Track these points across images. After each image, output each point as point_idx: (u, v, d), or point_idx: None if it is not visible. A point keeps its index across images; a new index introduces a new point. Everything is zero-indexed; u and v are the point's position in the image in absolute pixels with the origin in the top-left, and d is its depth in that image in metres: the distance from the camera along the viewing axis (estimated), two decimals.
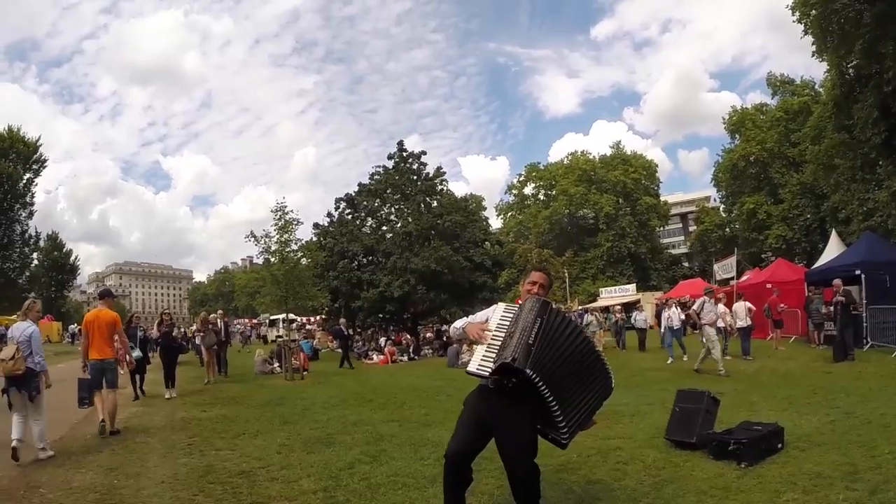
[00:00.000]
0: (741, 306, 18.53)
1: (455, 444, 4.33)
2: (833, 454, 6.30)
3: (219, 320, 20.59)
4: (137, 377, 14.60)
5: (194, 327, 25.15)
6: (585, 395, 4.35)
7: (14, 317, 15.74)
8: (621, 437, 7.84)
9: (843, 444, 6.73)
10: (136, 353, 13.74)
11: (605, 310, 35.55)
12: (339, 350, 28.03)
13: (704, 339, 15.14)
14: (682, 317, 19.78)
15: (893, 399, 9.40)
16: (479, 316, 4.56)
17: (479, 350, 4.18)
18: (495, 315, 4.34)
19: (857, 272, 18.81)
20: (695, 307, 16.19)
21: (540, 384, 3.97)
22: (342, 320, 27.90)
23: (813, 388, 11.18)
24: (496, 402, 4.23)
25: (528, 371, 3.93)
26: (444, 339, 26.62)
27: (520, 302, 4.46)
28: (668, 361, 17.85)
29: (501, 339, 4.13)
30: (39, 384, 7.92)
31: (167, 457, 7.58)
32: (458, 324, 4.60)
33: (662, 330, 20.44)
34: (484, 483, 5.63)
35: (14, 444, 7.38)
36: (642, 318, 25.37)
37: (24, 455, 7.45)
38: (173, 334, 15.87)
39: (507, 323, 4.19)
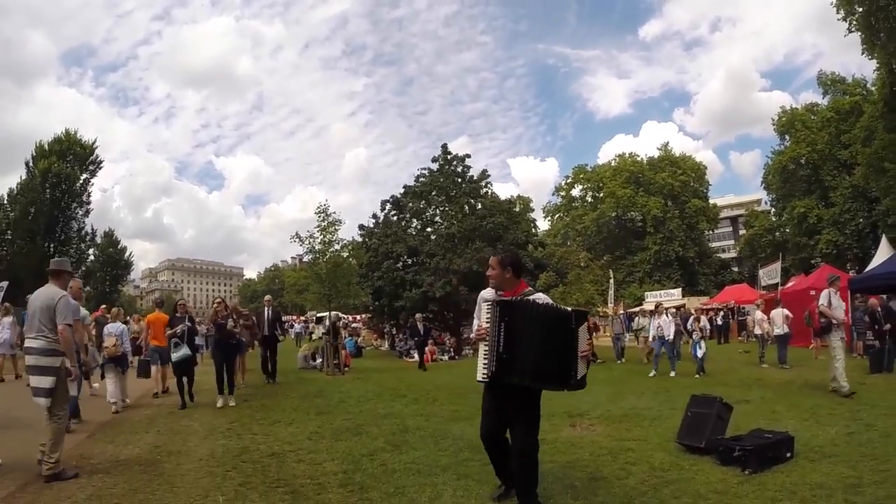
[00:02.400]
0: (779, 313, 18.34)
1: (484, 428, 5.31)
2: (842, 466, 6.32)
3: (267, 308, 17.63)
4: (185, 380, 12.05)
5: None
6: (562, 354, 4.89)
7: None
8: (636, 439, 8.02)
9: (856, 456, 6.74)
10: (182, 350, 11.89)
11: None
12: (404, 349, 28.86)
13: (830, 349, 12.10)
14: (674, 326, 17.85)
15: None
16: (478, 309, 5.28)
17: (480, 357, 4.93)
18: (482, 314, 5.02)
19: None
20: (821, 302, 12.29)
21: (516, 381, 4.84)
22: (418, 315, 25.04)
23: (840, 399, 11.09)
24: (500, 391, 5.03)
25: (505, 379, 4.85)
26: None
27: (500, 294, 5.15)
28: (672, 374, 16.51)
29: (490, 344, 4.81)
30: (127, 362, 12.29)
31: (207, 438, 8.22)
32: (474, 325, 5.30)
33: (651, 339, 18.65)
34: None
35: (114, 401, 11.35)
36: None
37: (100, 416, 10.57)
38: (229, 327, 12.39)
39: (489, 324, 4.86)
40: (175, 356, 12.01)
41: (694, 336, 17.77)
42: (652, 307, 21.54)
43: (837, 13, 28.16)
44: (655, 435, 8.20)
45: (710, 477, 6.10)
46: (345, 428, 9.17)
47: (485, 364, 4.85)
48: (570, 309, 5.07)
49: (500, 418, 5.16)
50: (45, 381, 6.38)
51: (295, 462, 7.04)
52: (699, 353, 16.64)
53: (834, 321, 12.00)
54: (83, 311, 9.83)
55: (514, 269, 5.22)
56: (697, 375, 15.88)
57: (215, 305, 13.02)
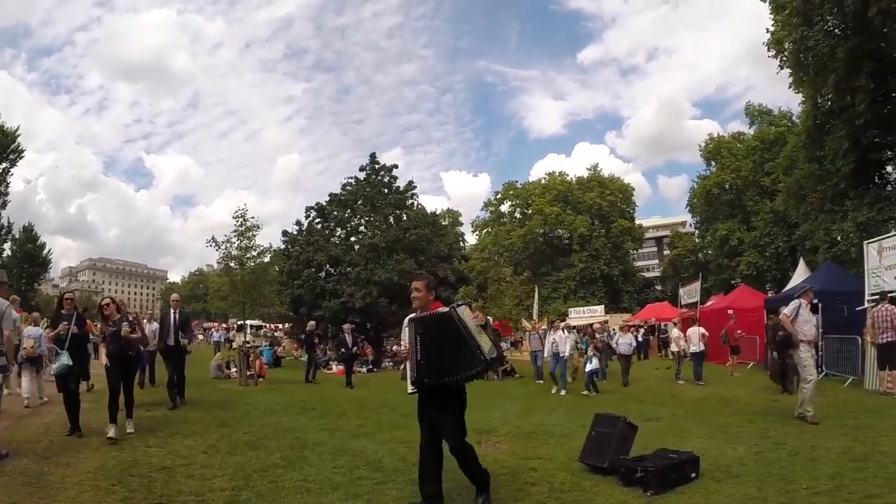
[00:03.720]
0: (695, 331, 18.46)
1: (423, 439, 5.71)
2: (748, 486, 6.17)
3: (172, 311, 13.58)
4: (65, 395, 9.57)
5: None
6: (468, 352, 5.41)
7: None
8: (541, 457, 7.81)
9: (763, 476, 6.60)
10: (61, 361, 9.48)
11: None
12: (322, 360, 27.75)
13: (799, 366, 10.94)
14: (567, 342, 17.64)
15: (829, 431, 9.23)
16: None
17: (408, 373, 5.66)
18: (406, 334, 5.79)
19: (815, 301, 18.83)
20: (785, 312, 11.02)
21: (442, 381, 5.48)
22: (346, 325, 22.85)
23: (752, 416, 11.07)
24: (428, 401, 5.67)
25: (427, 381, 5.50)
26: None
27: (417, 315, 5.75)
28: (563, 393, 16.21)
29: (412, 358, 5.56)
30: (42, 362, 12.42)
31: (99, 449, 7.85)
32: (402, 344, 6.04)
33: (546, 355, 18.28)
34: None
35: (27, 397, 11.82)
36: (626, 341, 20.04)
37: None
38: (124, 334, 9.21)
39: (410, 341, 5.61)
40: (53, 368, 9.87)
41: (589, 351, 17.52)
42: (563, 323, 21.54)
43: (769, 51, 28.94)
44: (561, 453, 7.99)
45: (611, 499, 5.88)
46: (244, 441, 8.82)
47: (411, 376, 5.56)
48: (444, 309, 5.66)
49: (435, 427, 5.63)
50: None
51: (184, 477, 6.69)
52: (588, 368, 16.48)
53: (802, 337, 10.59)
54: (14, 315, 9.25)
55: (435, 291, 6.11)
56: (591, 394, 15.72)
57: (102, 305, 9.90)
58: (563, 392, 16.13)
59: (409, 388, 5.61)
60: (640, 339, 32.74)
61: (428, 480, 5.61)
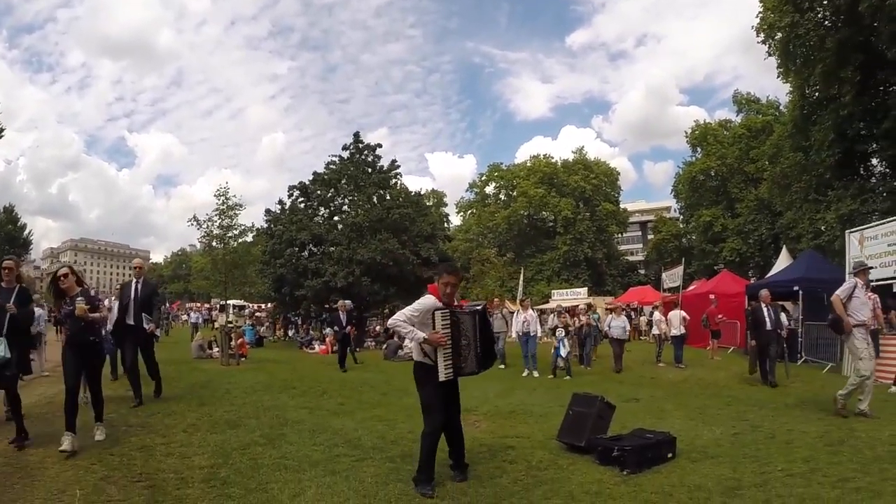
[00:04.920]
0: (676, 315, 18.67)
1: (441, 419, 5.75)
2: (723, 467, 6.24)
3: (135, 282, 10.65)
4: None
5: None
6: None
7: None
8: (519, 436, 7.91)
9: (738, 457, 6.68)
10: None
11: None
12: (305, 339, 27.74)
13: (852, 355, 9.86)
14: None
15: (805, 415, 9.36)
16: (416, 312, 5.77)
17: (440, 359, 5.64)
18: (437, 322, 5.66)
19: (795, 288, 19.05)
20: (838, 292, 9.52)
21: (478, 371, 6.03)
22: (342, 302, 20.80)
23: (730, 399, 11.23)
24: (450, 386, 5.89)
25: (476, 371, 6.00)
26: (390, 333, 26.20)
27: (447, 305, 5.84)
28: (535, 374, 16.17)
29: (451, 347, 5.66)
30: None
31: (80, 430, 7.35)
32: (406, 332, 5.77)
33: (515, 335, 17.96)
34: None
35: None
36: (620, 324, 18.05)
37: None
38: (79, 314, 7.04)
39: (449, 330, 5.66)
40: None
41: (557, 333, 16.68)
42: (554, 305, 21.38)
43: (758, 36, 28.98)
44: (540, 432, 8.05)
45: (587, 477, 5.93)
46: (224, 420, 8.78)
47: (448, 364, 5.65)
48: (480, 305, 6.56)
49: (446, 408, 5.83)
50: None
51: (163, 455, 6.71)
52: (562, 353, 15.87)
53: (856, 321, 9.26)
54: None
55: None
56: (567, 377, 15.43)
57: (58, 277, 7.43)
58: (535, 374, 16.08)
59: (444, 376, 5.65)
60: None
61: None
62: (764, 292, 14.85)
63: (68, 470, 6.06)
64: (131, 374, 10.12)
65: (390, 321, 6.16)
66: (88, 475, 5.87)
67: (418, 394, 5.88)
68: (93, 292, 7.50)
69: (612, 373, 16.49)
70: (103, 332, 7.86)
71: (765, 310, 14.12)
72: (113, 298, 14.45)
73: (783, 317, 15.46)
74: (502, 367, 17.62)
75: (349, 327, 19.27)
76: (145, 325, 10.25)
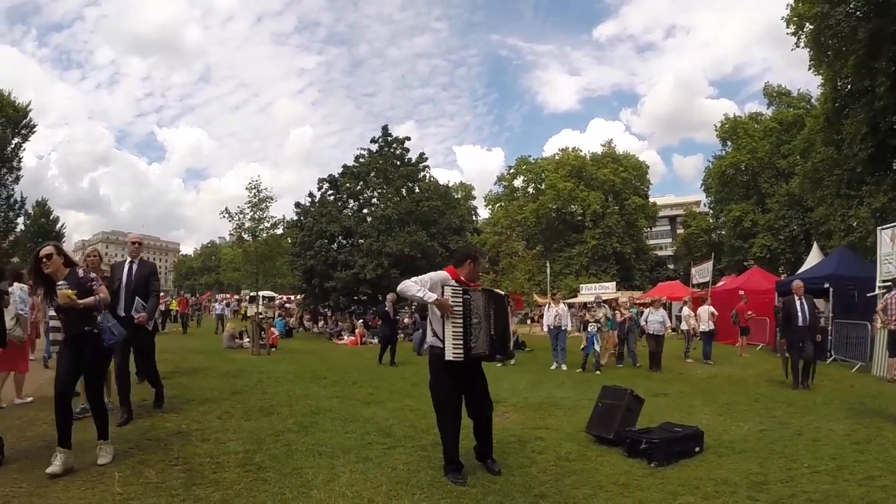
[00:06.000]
0: (705, 310, 18.62)
1: (455, 401, 5.72)
2: (750, 463, 6.27)
3: (130, 262, 8.45)
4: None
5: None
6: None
7: None
8: (549, 427, 7.96)
9: (765, 453, 6.69)
10: None
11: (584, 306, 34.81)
12: (334, 330, 27.78)
13: None
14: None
15: (833, 413, 9.32)
16: (426, 280, 5.72)
17: (448, 337, 5.52)
18: (447, 295, 5.57)
19: (826, 285, 18.86)
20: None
21: (493, 356, 5.98)
22: (391, 295, 19.30)
23: (758, 395, 11.18)
24: (465, 370, 5.70)
25: (497, 356, 6.15)
26: (416, 324, 26.25)
27: (462, 283, 5.81)
28: (563, 368, 15.95)
29: (461, 324, 5.55)
30: None
31: (114, 415, 7.55)
32: (416, 291, 5.61)
33: (545, 329, 17.60)
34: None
35: None
36: (658, 318, 16.87)
37: None
38: (62, 302, 5.61)
39: (460, 308, 5.57)
40: None
41: (589, 328, 16.39)
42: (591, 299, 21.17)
43: (788, 27, 28.58)
44: (569, 424, 8.11)
45: (615, 469, 5.99)
46: (257, 408, 8.92)
47: (457, 344, 5.52)
48: (503, 292, 6.37)
49: (461, 395, 5.76)
50: None
51: (199, 441, 6.81)
52: (596, 347, 15.89)
53: None
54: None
55: None
56: (580, 370, 15.39)
57: (40, 257, 5.92)
58: (563, 367, 15.98)
59: (451, 354, 5.49)
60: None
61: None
62: (797, 283, 13.03)
63: None
64: (118, 379, 8.05)
65: (401, 285, 5.78)
66: (126, 459, 5.97)
67: (430, 389, 5.86)
68: (81, 272, 5.92)
69: (639, 369, 16.35)
70: (101, 317, 5.92)
71: (797, 302, 12.50)
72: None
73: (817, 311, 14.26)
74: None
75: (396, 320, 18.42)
76: (133, 315, 8.01)
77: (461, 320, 5.56)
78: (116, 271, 8.31)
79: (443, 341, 5.56)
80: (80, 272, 5.89)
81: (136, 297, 8.07)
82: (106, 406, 6.21)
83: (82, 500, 4.84)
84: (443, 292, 5.59)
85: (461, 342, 5.54)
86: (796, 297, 12.56)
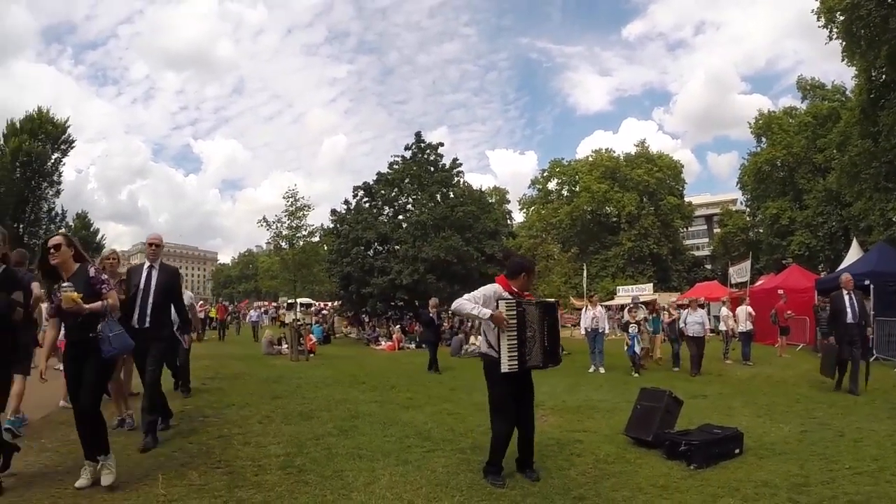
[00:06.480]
0: (743, 311, 18.35)
1: (511, 414, 5.78)
2: (791, 464, 6.23)
3: (150, 266, 7.43)
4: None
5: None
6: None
7: None
8: (587, 430, 7.99)
9: (806, 455, 6.65)
10: None
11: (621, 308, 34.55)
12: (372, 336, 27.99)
13: None
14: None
15: (876, 414, 9.21)
16: (479, 297, 5.78)
17: (504, 349, 5.57)
18: (502, 308, 5.62)
19: (866, 282, 18.49)
20: None
21: (545, 366, 5.99)
22: (433, 300, 19.69)
23: (799, 396, 11.06)
24: (520, 382, 5.80)
25: (550, 366, 6.11)
26: (453, 329, 26.30)
27: (515, 294, 5.86)
28: (601, 371, 15.81)
29: (516, 336, 5.62)
30: None
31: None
32: (471, 309, 5.67)
33: (583, 331, 17.09)
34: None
35: None
36: (697, 320, 15.97)
37: None
38: (69, 298, 5.00)
39: (515, 321, 5.63)
40: None
41: (630, 330, 16.06)
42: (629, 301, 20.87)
43: (818, 20, 28.29)
44: (607, 427, 8.12)
45: (654, 471, 6.01)
46: (297, 412, 9.06)
47: (512, 356, 5.60)
48: (553, 300, 6.58)
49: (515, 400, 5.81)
50: None
51: (241, 445, 6.96)
52: (636, 349, 15.69)
53: None
54: None
55: None
56: (635, 374, 15.07)
57: (48, 249, 5.29)
58: (601, 370, 15.85)
59: (507, 367, 5.57)
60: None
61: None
62: (846, 276, 12.33)
63: (150, 458, 6.31)
64: (151, 403, 7.00)
65: (454, 303, 5.88)
66: (170, 462, 6.14)
67: (488, 392, 5.87)
68: (93, 271, 5.32)
69: (680, 370, 16.11)
70: (102, 324, 5.23)
71: (846, 297, 11.65)
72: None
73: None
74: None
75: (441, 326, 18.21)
76: (178, 336, 7.91)
77: (516, 333, 5.64)
78: (133, 276, 7.29)
79: (498, 352, 5.61)
80: (92, 271, 5.32)
81: (160, 310, 7.18)
82: (101, 418, 5.44)
83: (127, 502, 4.97)
84: (497, 306, 5.65)
85: (516, 355, 5.62)
86: (845, 292, 11.80)
